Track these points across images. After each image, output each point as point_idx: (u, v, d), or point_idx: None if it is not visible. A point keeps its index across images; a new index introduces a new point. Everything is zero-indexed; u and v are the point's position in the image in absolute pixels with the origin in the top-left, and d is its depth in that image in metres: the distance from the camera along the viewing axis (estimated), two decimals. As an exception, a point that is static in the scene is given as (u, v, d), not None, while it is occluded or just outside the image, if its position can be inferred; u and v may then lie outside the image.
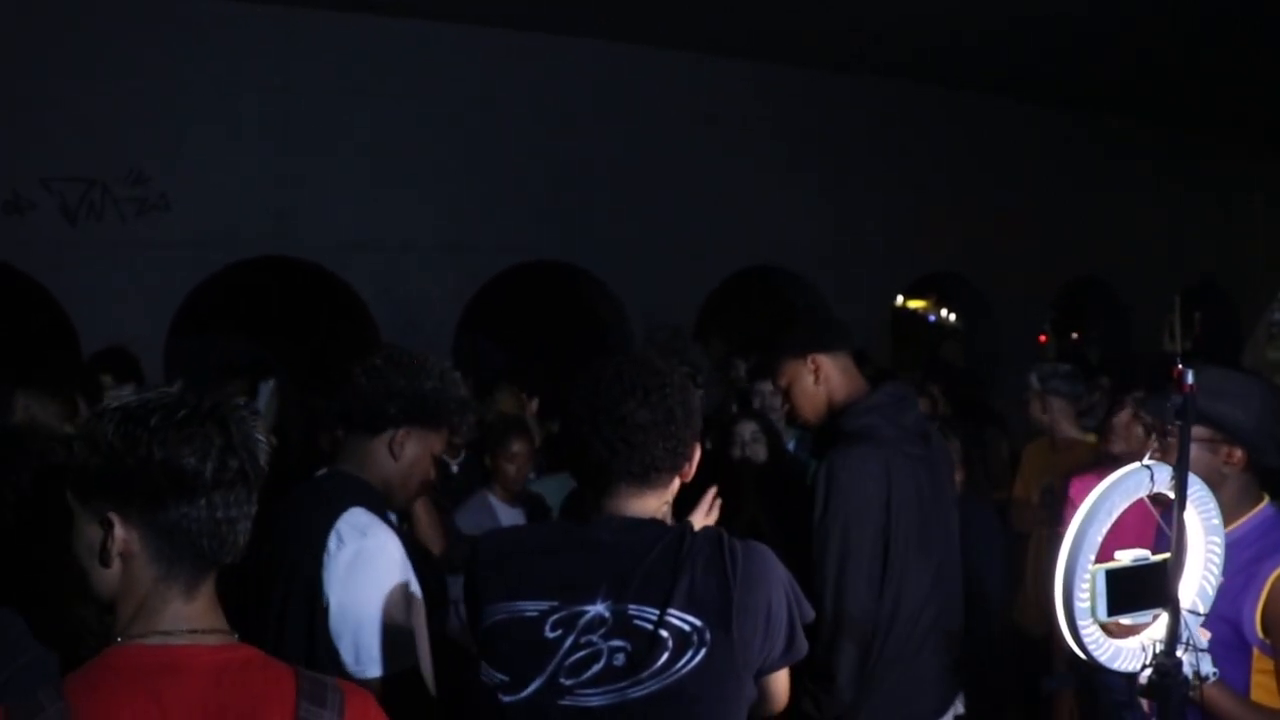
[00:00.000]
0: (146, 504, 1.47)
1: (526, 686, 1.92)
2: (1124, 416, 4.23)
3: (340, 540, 2.47)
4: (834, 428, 3.23)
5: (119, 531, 1.48)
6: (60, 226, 7.73)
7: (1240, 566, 2.38)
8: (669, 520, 2.11)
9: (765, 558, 2.01)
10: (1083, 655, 2.17)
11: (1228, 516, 2.36)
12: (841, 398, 3.27)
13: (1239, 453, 2.48)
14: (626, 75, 9.69)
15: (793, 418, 3.48)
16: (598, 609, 1.92)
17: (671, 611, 1.88)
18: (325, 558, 2.46)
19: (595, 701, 1.88)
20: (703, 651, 1.88)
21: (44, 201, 7.69)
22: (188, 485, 1.47)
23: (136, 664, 1.47)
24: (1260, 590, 2.40)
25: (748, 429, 4.83)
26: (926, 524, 3.17)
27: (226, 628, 1.55)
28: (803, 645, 2.06)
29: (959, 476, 4.40)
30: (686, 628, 1.88)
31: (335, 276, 8.82)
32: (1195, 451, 2.35)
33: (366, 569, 2.46)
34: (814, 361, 3.28)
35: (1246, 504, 2.51)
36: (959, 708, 3.31)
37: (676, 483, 2.11)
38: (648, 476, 2.03)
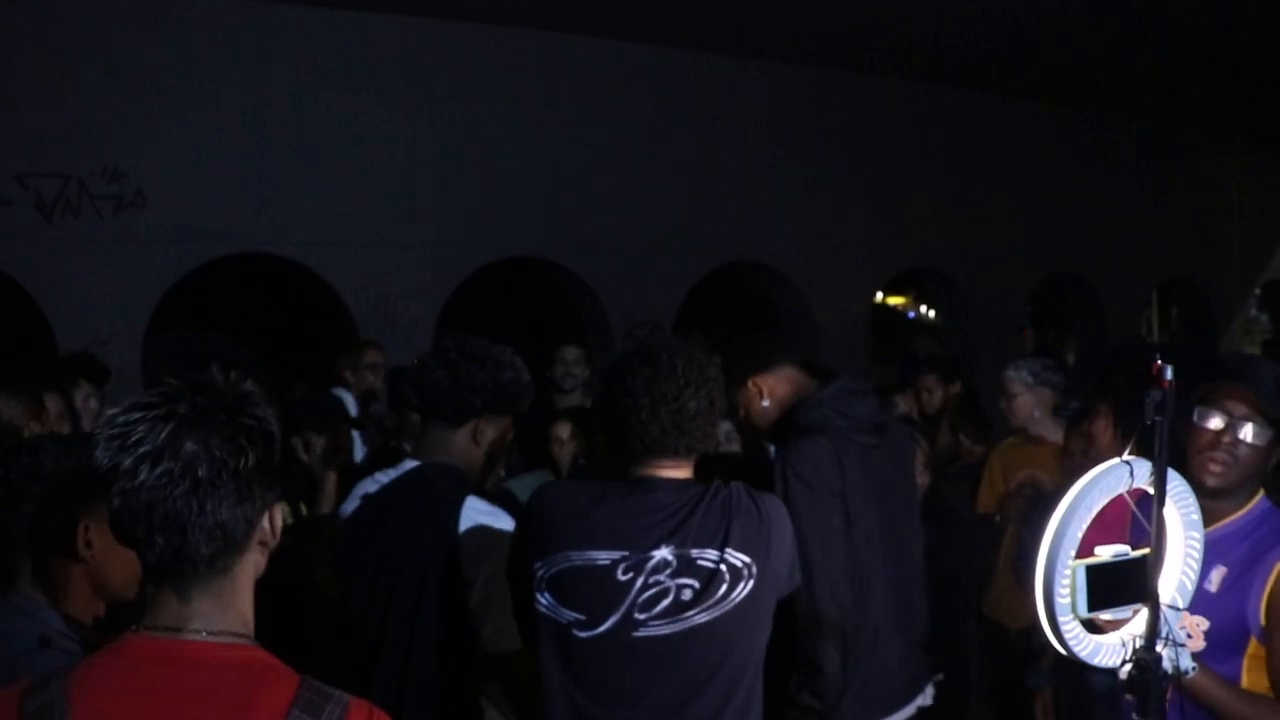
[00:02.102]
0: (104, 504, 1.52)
1: (603, 622, 2.28)
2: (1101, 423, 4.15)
3: (472, 526, 2.72)
4: (787, 424, 3.34)
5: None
6: (36, 223, 7.66)
7: (1244, 554, 2.47)
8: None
9: (781, 508, 2.48)
10: (1063, 651, 2.18)
11: (1235, 504, 2.53)
12: (792, 402, 3.39)
13: None
14: (607, 71, 9.67)
15: (756, 432, 3.68)
16: (662, 554, 2.28)
17: (729, 551, 2.28)
18: (460, 544, 2.70)
19: (665, 630, 2.26)
20: (751, 583, 2.29)
21: (19, 197, 7.62)
22: (113, 483, 1.48)
23: (137, 653, 1.49)
24: (1266, 579, 2.44)
25: (723, 427, 4.84)
26: (886, 511, 3.28)
27: (240, 629, 1.54)
28: (795, 580, 2.55)
29: (925, 479, 4.41)
30: (739, 564, 2.28)
31: (314, 272, 8.78)
32: (1264, 451, 2.47)
33: (500, 550, 2.67)
34: (755, 384, 3.43)
35: (1252, 494, 2.58)
36: (926, 698, 3.38)
37: None
38: (690, 453, 2.41)
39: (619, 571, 2.27)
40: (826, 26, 9.44)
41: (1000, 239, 11.89)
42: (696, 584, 2.25)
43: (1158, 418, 2.10)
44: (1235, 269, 15.07)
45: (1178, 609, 2.26)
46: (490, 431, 2.89)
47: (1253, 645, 2.48)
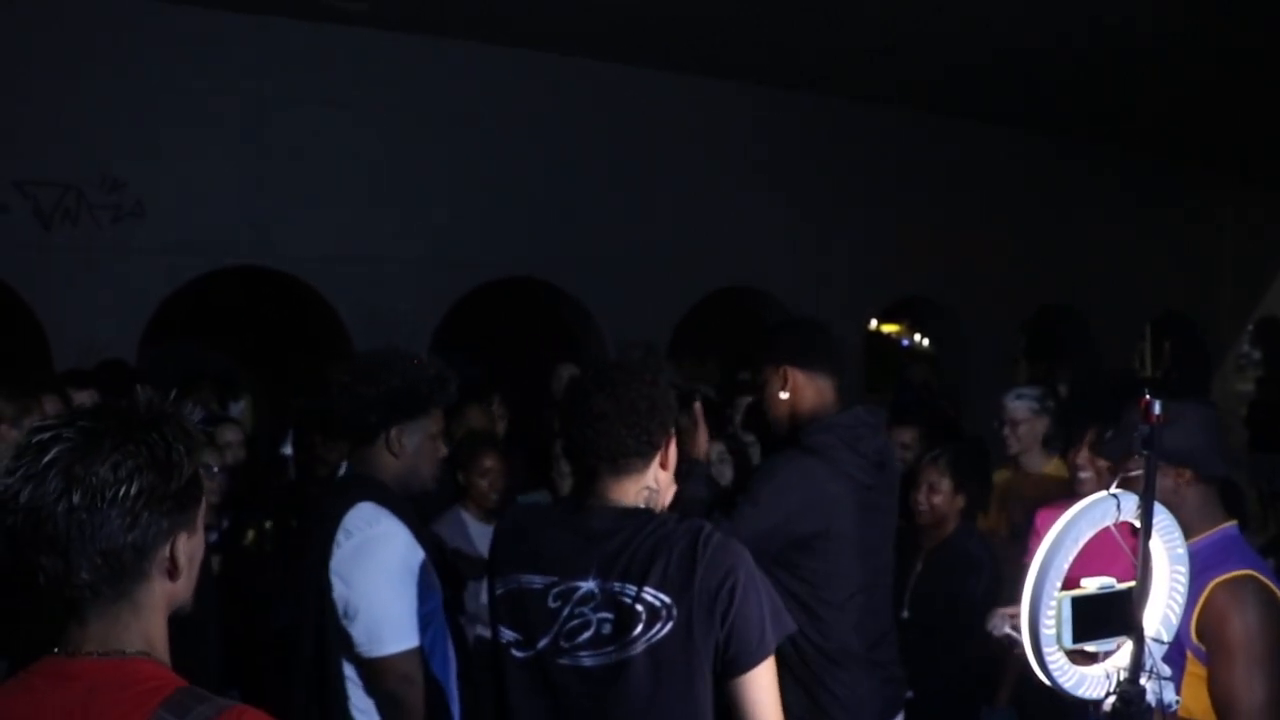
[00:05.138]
0: None
1: (536, 644, 2.28)
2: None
3: (347, 533, 2.73)
4: (793, 440, 3.31)
5: None
6: (34, 231, 7.67)
7: (1189, 578, 2.45)
8: (653, 503, 2.38)
9: (739, 554, 2.26)
10: (1048, 682, 2.19)
11: (1187, 532, 2.47)
12: (805, 416, 3.34)
13: (1188, 472, 2.60)
14: (606, 93, 9.72)
15: (763, 414, 3.57)
16: (589, 585, 2.25)
17: (646, 589, 2.20)
18: (334, 550, 2.72)
19: (588, 662, 2.23)
20: (670, 624, 2.18)
21: (18, 205, 7.63)
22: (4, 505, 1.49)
23: (40, 672, 1.53)
24: (1198, 598, 2.49)
25: (714, 449, 4.84)
26: (864, 549, 3.27)
27: (142, 647, 1.54)
28: (769, 647, 2.23)
29: (959, 504, 4.42)
30: (657, 603, 2.19)
31: (311, 288, 8.79)
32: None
33: (371, 557, 2.72)
34: (786, 373, 3.35)
35: (1207, 521, 2.58)
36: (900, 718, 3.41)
37: (656, 470, 2.38)
38: (617, 462, 2.32)
39: (550, 598, 2.27)
40: (829, 53, 9.50)
41: (995, 269, 11.93)
42: (614, 618, 2.22)
43: (1145, 451, 2.12)
44: (1228, 305, 15.12)
45: (1162, 642, 2.28)
46: (406, 439, 2.88)
47: (1191, 662, 2.52)
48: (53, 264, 7.75)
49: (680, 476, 3.39)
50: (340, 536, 2.72)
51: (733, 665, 2.20)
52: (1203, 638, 2.50)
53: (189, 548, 1.59)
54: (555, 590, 2.27)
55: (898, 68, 9.82)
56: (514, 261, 9.53)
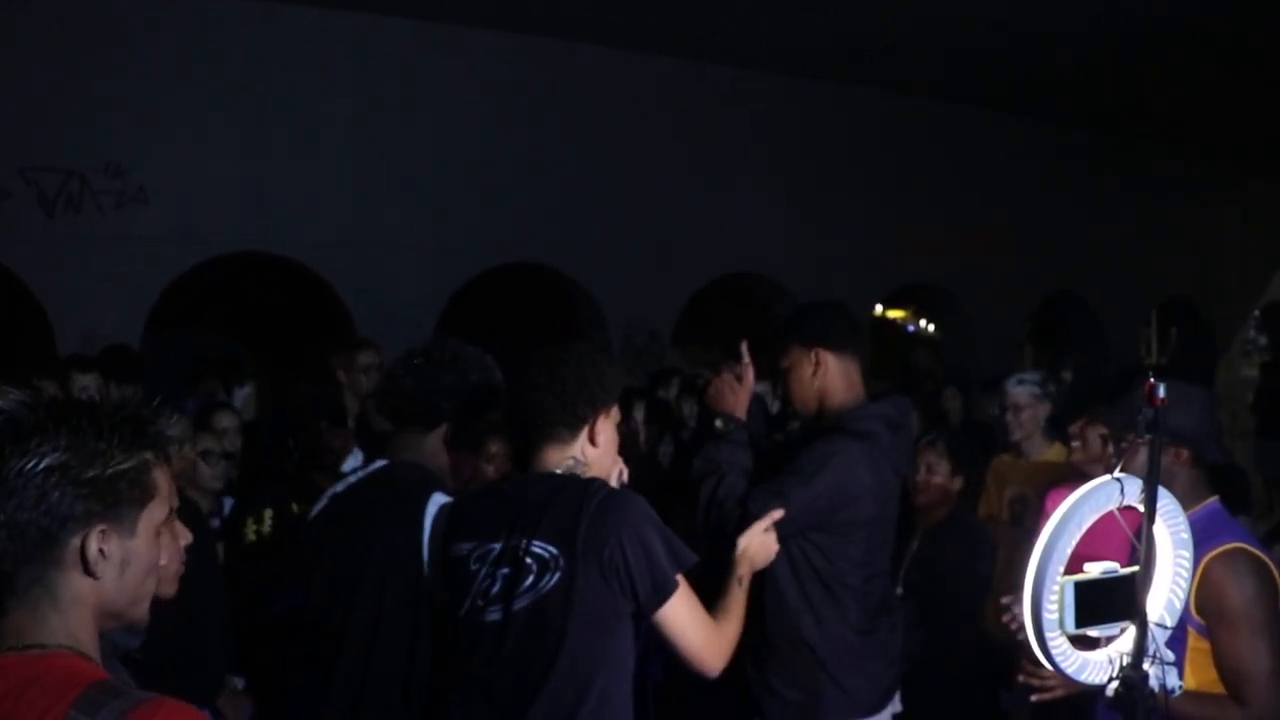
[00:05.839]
0: None
1: (462, 606, 2.44)
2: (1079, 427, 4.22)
3: (438, 525, 2.68)
4: (831, 425, 3.26)
5: None
6: (37, 217, 7.67)
7: None
8: (576, 473, 2.46)
9: (624, 504, 2.38)
10: (1050, 667, 2.18)
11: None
12: (836, 399, 3.30)
13: (1185, 452, 2.58)
14: (611, 80, 9.69)
15: (787, 401, 3.54)
16: (499, 545, 2.40)
17: (535, 542, 2.34)
18: (425, 538, 2.66)
19: (493, 616, 2.38)
20: (558, 575, 2.31)
21: (21, 191, 7.63)
22: None
23: None
24: (1194, 574, 2.46)
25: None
26: (882, 538, 3.30)
27: (64, 641, 1.50)
28: (673, 583, 2.34)
29: (957, 485, 4.47)
30: (545, 555, 2.33)
31: (315, 274, 8.78)
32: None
33: None
34: (817, 355, 3.29)
35: (1194, 499, 2.59)
36: (896, 705, 3.38)
37: (584, 443, 2.48)
38: (543, 430, 2.46)
39: (471, 561, 2.43)
40: (836, 40, 9.46)
41: (1000, 256, 11.90)
42: (509, 571, 2.36)
43: (1149, 435, 2.11)
44: (1234, 291, 15.08)
45: (1166, 627, 2.27)
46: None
47: (1193, 637, 2.51)
48: (56, 250, 7.75)
49: (713, 435, 3.38)
50: (430, 524, 2.67)
51: (646, 608, 2.34)
52: (1202, 612, 2.50)
53: (117, 548, 1.53)
54: (475, 554, 2.43)
55: (902, 56, 9.78)
56: (518, 249, 9.52)
